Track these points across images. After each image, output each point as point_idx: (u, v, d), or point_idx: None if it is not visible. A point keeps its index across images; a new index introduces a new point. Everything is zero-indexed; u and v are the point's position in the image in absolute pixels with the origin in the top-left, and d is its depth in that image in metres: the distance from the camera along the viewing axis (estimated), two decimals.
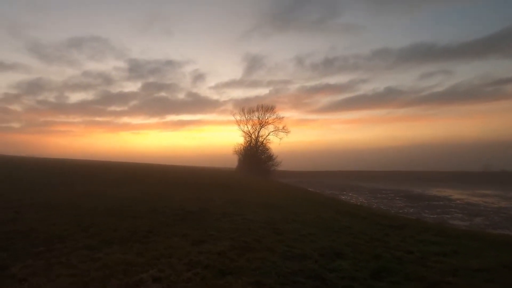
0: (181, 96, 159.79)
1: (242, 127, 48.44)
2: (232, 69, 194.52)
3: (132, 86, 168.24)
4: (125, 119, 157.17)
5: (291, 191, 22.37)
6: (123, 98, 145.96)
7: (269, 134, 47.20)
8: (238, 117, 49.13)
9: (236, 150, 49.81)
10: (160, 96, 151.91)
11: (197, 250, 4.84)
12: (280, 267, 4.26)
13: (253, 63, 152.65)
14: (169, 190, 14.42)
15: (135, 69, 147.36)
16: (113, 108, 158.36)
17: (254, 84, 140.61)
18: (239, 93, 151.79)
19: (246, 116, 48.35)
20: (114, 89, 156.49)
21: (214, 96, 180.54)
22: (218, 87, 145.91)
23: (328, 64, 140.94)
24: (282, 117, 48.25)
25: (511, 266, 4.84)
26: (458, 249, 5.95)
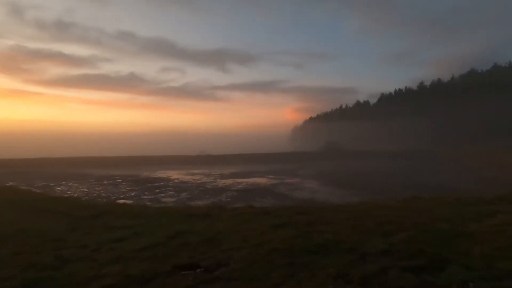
0: None
1: None
2: None
3: None
4: None
5: None
6: None
7: None
8: None
9: None
10: None
11: None
12: None
13: None
14: None
15: None
16: None
17: None
18: None
19: None
20: None
21: None
22: None
23: (63, 28, 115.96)
24: None
25: (175, 236, 5.54)
26: (142, 230, 6.14)
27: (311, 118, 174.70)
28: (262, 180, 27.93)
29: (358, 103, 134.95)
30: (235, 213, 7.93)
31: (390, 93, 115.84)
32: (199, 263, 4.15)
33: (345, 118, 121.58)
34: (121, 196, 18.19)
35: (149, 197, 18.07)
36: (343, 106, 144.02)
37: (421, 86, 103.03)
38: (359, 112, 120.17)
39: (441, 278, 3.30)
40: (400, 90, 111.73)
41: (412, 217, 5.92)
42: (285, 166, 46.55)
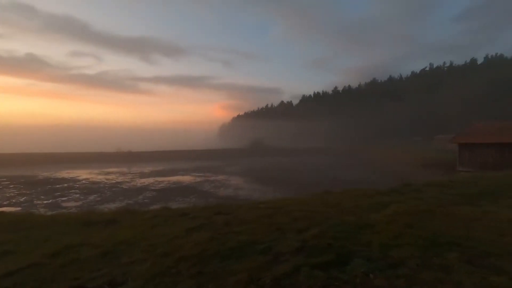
0: None
1: None
2: None
3: None
4: None
5: None
6: None
7: None
8: None
9: None
10: None
11: None
12: None
13: None
14: None
15: None
16: None
17: None
18: None
19: None
20: None
21: None
22: None
23: None
24: None
25: (62, 252, 4.52)
26: (15, 247, 4.85)
27: (238, 116, 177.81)
28: (186, 178, 26.77)
29: (282, 103, 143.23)
30: (147, 216, 7.10)
31: (310, 95, 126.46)
32: (86, 285, 3.38)
33: (270, 117, 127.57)
34: (5, 203, 14.80)
35: (46, 202, 15.20)
36: (269, 105, 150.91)
37: (335, 90, 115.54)
38: (283, 111, 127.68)
39: (346, 273, 3.37)
40: (318, 93, 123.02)
41: (323, 211, 6.20)
42: (212, 163, 45.92)
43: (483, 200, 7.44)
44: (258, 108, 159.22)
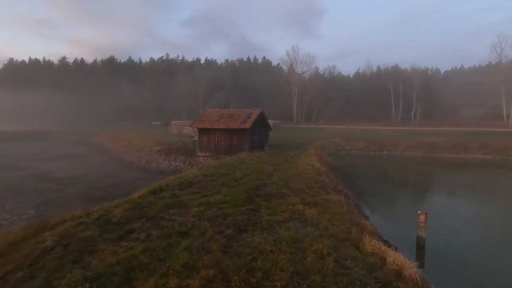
0: None
1: None
2: None
3: None
4: None
5: None
6: None
7: None
8: None
9: None
10: None
11: None
12: None
13: None
14: None
15: None
16: None
17: None
18: None
19: None
20: None
21: None
22: None
23: None
24: None
25: None
26: None
27: None
28: None
29: None
30: None
31: (24, 61, 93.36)
32: None
33: None
34: None
35: None
36: None
37: (63, 61, 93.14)
38: None
39: None
40: (37, 60, 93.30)
41: None
42: None
43: (260, 212, 5.97)
44: None
